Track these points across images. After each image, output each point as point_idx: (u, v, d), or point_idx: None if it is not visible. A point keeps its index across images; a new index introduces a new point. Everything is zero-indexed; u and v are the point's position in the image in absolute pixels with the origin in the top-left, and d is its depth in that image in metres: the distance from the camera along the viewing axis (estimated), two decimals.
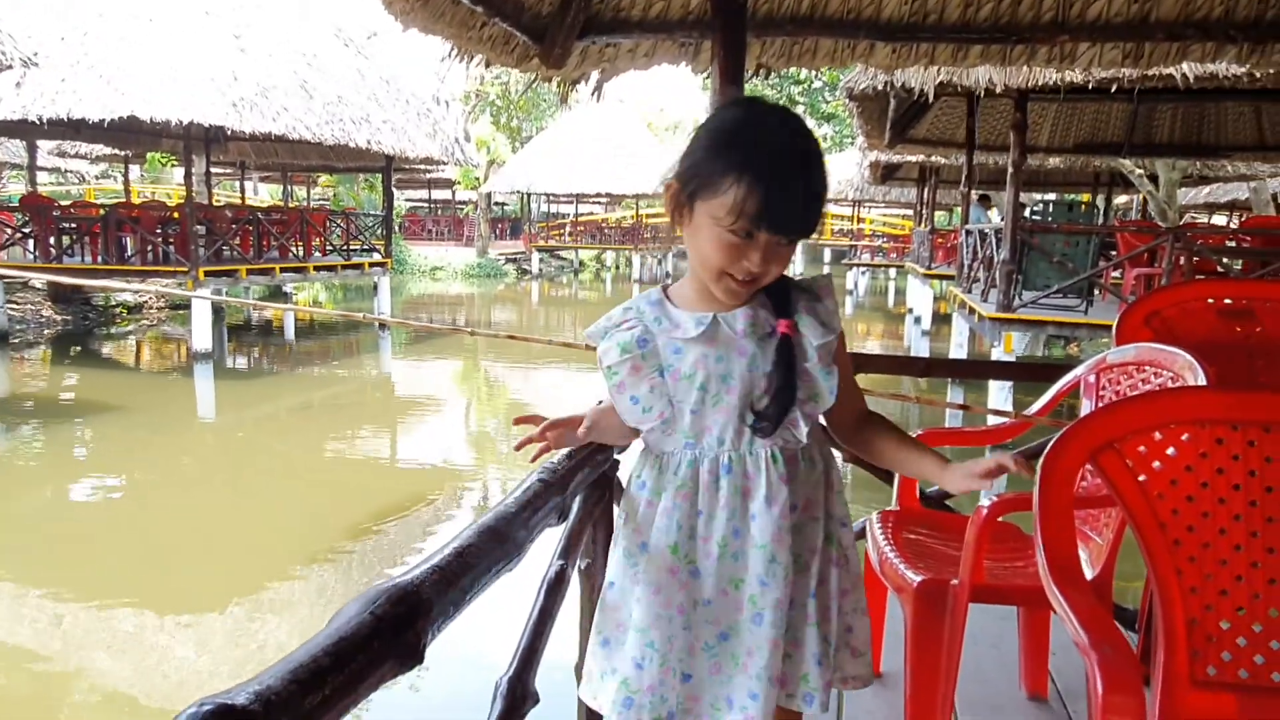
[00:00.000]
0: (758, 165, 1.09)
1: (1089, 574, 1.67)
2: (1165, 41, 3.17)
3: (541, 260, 30.94)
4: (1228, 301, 2.24)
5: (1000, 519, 1.78)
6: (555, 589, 1.21)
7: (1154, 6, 3.12)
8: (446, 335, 15.18)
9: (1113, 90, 7.43)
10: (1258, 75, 6.78)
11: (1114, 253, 9.67)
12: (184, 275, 12.30)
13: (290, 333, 15.89)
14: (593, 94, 3.83)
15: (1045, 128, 12.23)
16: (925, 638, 1.62)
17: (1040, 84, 7.44)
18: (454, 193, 36.54)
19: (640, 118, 37.22)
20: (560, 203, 38.20)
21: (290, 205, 20.84)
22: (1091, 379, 1.93)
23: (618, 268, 34.66)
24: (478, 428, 10.26)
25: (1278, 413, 1.24)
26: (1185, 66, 6.79)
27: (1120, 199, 22.43)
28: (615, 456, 1.44)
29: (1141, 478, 1.27)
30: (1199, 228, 17.84)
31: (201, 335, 12.17)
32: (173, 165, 23.56)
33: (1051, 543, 1.20)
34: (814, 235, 1.14)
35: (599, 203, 38.17)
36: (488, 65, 3.71)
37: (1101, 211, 17.83)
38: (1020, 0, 3.21)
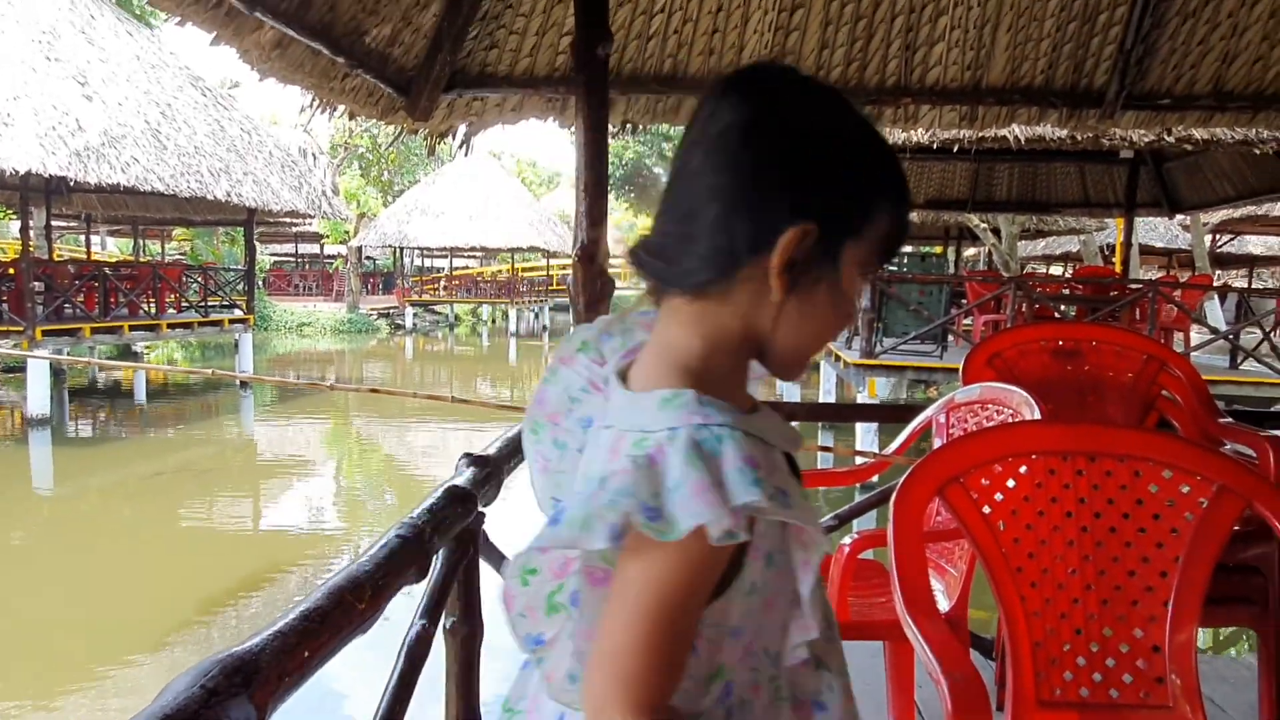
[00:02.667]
0: (898, 177, 0.77)
1: (945, 605, 1.73)
2: (996, 105, 3.43)
3: (415, 315, 30.36)
4: (1060, 343, 2.42)
5: (865, 555, 1.84)
6: (416, 651, 1.17)
7: (984, 74, 3.38)
8: (313, 392, 14.61)
9: (955, 150, 8.00)
10: (1078, 138, 7.43)
11: (964, 300, 10.32)
12: (18, 335, 11.42)
13: (141, 394, 14.92)
14: (460, 147, 3.82)
15: None
16: None
17: (891, 144, 7.93)
18: (322, 247, 35.53)
19: (514, 171, 37.44)
20: (434, 256, 37.75)
21: (142, 260, 19.75)
22: (942, 418, 2.04)
23: (494, 321, 34.36)
24: (348, 488, 9.86)
25: (1101, 443, 1.34)
26: (1017, 129, 7.37)
27: (969, 251, 23.98)
28: (480, 509, 1.41)
29: (985, 509, 1.34)
30: (1037, 277, 19.22)
31: (38, 399, 11.28)
32: (9, 218, 22.00)
33: (905, 576, 1.25)
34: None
35: (474, 256, 37.93)
36: (351, 117, 3.66)
37: (952, 262, 18.99)
38: (867, 66, 3.43)
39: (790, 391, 17.31)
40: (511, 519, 1.42)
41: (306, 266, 36.79)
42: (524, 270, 33.97)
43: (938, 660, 1.11)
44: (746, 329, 0.73)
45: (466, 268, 37.91)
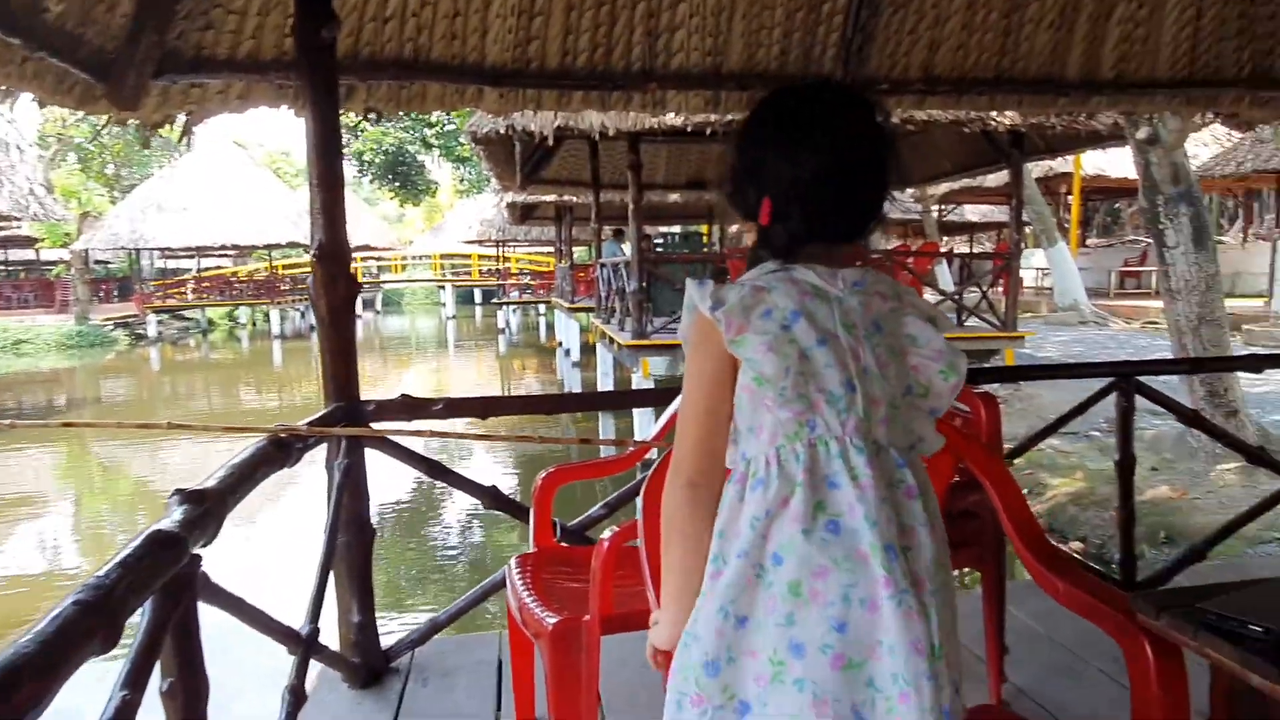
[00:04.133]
0: None
1: None
2: (737, 90, 3.56)
3: (160, 323, 27.64)
4: None
5: (630, 545, 1.83)
6: None
7: (724, 60, 3.49)
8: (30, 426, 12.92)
9: (709, 133, 8.32)
10: None
11: (728, 277, 10.80)
12: None
13: None
14: (181, 139, 3.45)
15: (660, 167, 13.37)
16: (565, 679, 1.61)
17: (649, 127, 8.11)
18: (38, 252, 31.45)
19: (264, 162, 34.95)
20: (179, 257, 34.46)
21: None
22: None
23: (254, 324, 32.04)
24: (93, 521, 8.82)
25: None
26: None
27: (733, 228, 25.21)
28: (194, 550, 1.25)
29: None
30: None
31: None
32: None
33: (656, 563, 1.24)
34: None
35: (226, 255, 35.07)
36: (41, 106, 3.19)
37: (719, 241, 19.87)
38: (612, 51, 3.43)
39: (571, 377, 17.45)
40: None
41: (20, 275, 32.41)
42: (285, 267, 31.83)
43: None
44: (862, 246, 1.27)
45: (219, 267, 35.00)
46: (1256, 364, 3.91)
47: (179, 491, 1.29)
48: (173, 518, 1.21)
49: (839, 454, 1.08)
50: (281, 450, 1.83)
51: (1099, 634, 1.42)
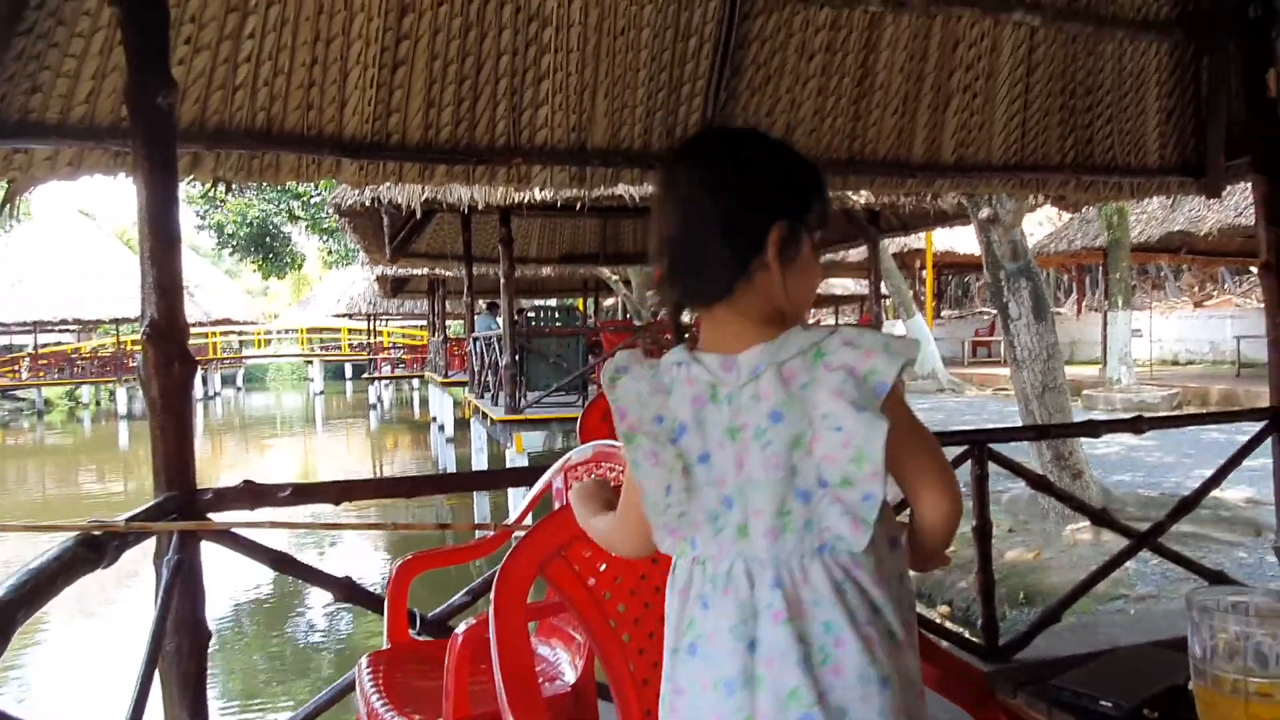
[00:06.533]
0: (814, 171, 1.14)
1: (572, 675, 1.67)
2: (602, 166, 3.59)
3: None
4: None
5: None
6: None
7: (589, 136, 3.53)
8: None
9: (580, 208, 8.40)
10: None
11: (601, 350, 10.82)
12: None
13: None
14: (2, 207, 3.18)
15: (533, 241, 13.41)
16: None
17: (520, 201, 8.13)
18: None
19: (115, 233, 33.13)
20: (11, 333, 31.95)
21: None
22: (559, 483, 2.00)
23: (98, 403, 29.87)
24: None
25: None
26: (631, 189, 7.91)
27: (608, 301, 25.49)
28: None
29: (590, 581, 1.29)
30: (663, 324, 20.85)
31: None
32: None
33: (507, 663, 1.15)
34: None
35: (68, 330, 32.76)
36: None
37: (592, 313, 20.01)
38: (476, 126, 3.41)
39: (444, 454, 16.97)
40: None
41: None
42: (135, 343, 29.95)
43: None
44: (768, 301, 1.07)
45: (59, 343, 32.63)
46: (1094, 430, 4.15)
47: None
48: None
49: (710, 576, 1.04)
50: (94, 550, 1.64)
51: (959, 711, 1.41)
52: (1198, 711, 1.05)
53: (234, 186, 3.54)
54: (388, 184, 3.91)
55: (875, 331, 1.06)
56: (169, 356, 2.20)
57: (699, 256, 1.08)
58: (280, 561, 2.30)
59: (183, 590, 2.12)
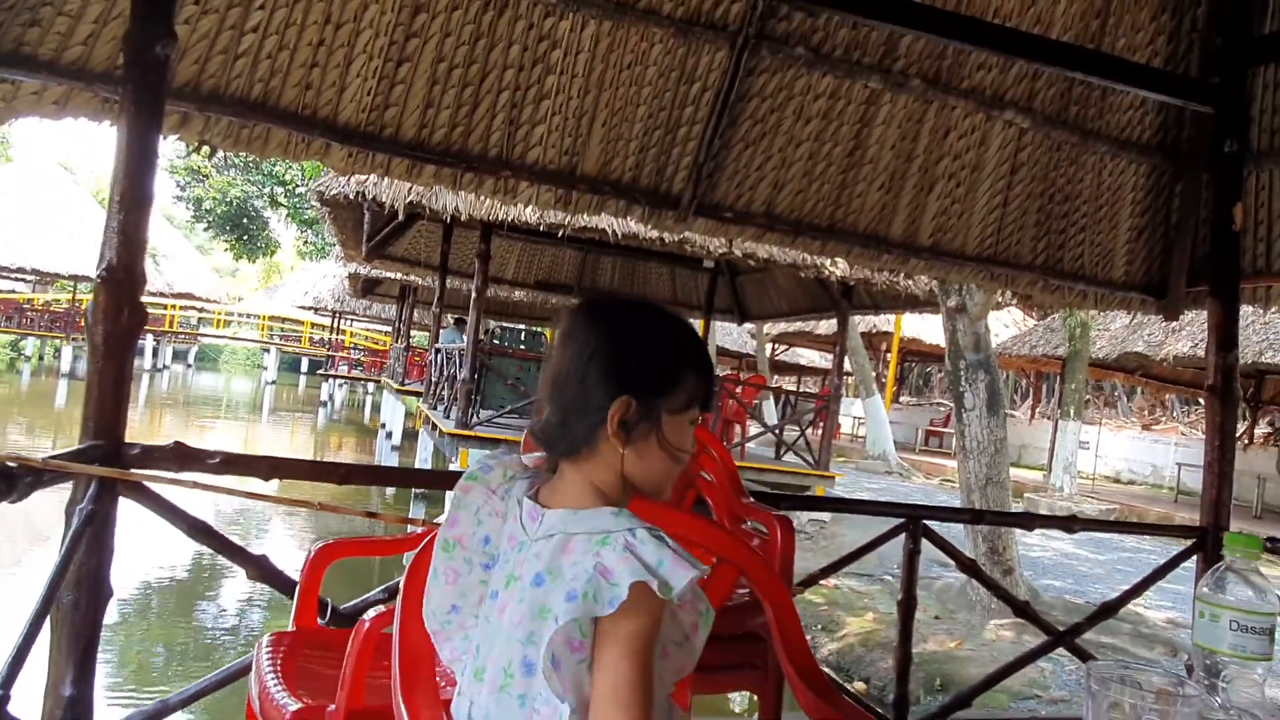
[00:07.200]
0: (695, 350, 1.13)
1: None
2: (589, 193, 3.62)
3: None
4: None
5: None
6: None
7: (580, 161, 3.56)
8: None
9: (562, 236, 8.44)
10: (666, 239, 8.22)
11: None
12: None
13: None
14: None
15: (511, 263, 13.42)
16: None
17: (503, 221, 8.15)
18: None
19: (94, 191, 32.60)
20: None
21: None
22: None
23: (41, 358, 29.08)
24: None
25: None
26: (615, 222, 7.95)
27: None
28: None
29: None
30: None
31: None
32: None
33: (407, 653, 1.13)
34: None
35: (24, 279, 32.02)
36: None
37: None
38: (471, 132, 3.43)
39: (387, 460, 16.72)
40: None
41: None
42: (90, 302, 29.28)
43: None
44: (613, 474, 1.09)
45: (13, 291, 31.83)
46: (1029, 521, 4.23)
47: None
48: None
49: (456, 709, 1.10)
50: (5, 481, 1.59)
51: None
52: None
53: (219, 163, 3.52)
54: (373, 178, 3.91)
55: (667, 548, 0.97)
56: (120, 303, 2.16)
57: (560, 409, 1.10)
58: (197, 529, 2.24)
59: (91, 542, 2.06)
